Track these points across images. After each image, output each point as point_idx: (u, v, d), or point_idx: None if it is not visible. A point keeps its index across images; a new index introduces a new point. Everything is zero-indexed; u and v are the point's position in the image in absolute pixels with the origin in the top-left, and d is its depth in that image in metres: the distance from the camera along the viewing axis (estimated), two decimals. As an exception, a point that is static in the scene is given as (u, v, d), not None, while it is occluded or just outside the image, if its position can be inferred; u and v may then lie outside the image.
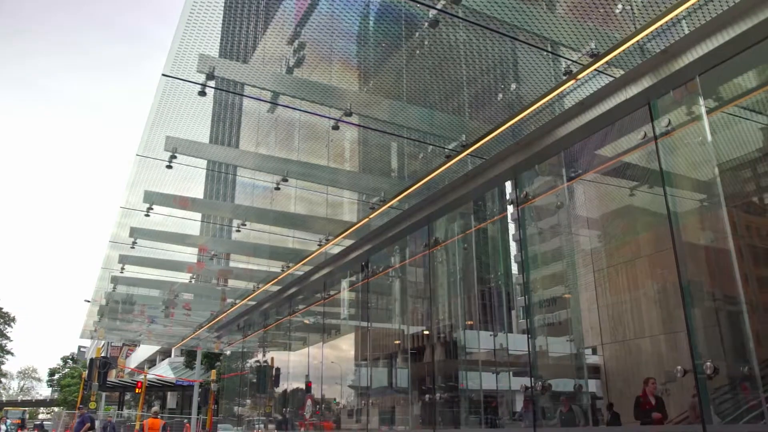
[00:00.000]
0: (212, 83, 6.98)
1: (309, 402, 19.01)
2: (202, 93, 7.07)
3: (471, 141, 8.05)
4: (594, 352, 9.24)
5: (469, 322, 12.66)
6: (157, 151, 8.70)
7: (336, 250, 12.92)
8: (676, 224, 6.37)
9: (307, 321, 19.12)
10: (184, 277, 15.82)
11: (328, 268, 14.14)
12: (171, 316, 20.99)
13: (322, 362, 17.75)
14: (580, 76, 6.54)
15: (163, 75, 6.79)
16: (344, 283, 15.90)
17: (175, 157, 8.70)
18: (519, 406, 10.54)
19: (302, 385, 19.38)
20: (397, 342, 15.73)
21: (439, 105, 7.83)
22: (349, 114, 7.44)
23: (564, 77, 6.61)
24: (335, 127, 7.77)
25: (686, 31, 5.98)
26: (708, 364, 5.65)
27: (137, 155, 8.74)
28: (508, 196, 10.70)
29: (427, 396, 12.67)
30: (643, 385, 6.54)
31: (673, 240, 6.29)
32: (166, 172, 9.33)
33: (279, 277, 15.11)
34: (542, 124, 7.57)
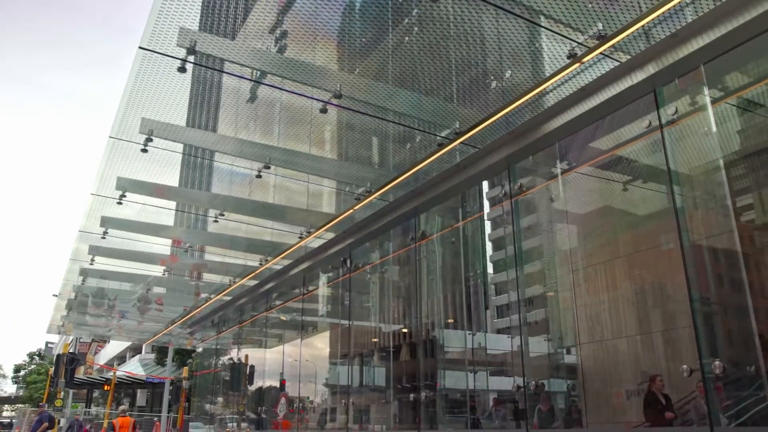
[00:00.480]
0: (192, 59, 6.51)
1: (283, 400, 18.77)
2: (182, 69, 6.60)
3: (465, 129, 7.69)
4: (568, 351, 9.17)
5: (450, 320, 12.49)
6: (131, 133, 8.18)
7: (317, 243, 12.48)
8: (682, 217, 6.08)
9: (283, 317, 18.68)
10: (157, 270, 15.24)
11: (308, 262, 13.69)
12: (143, 311, 20.33)
13: (299, 360, 17.36)
14: (585, 60, 6.21)
15: (140, 48, 6.29)
16: (324, 279, 15.49)
17: (151, 140, 8.19)
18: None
19: (276, 383, 19.08)
20: (375, 340, 15.52)
21: (432, 89, 7.44)
22: (339, 96, 7.03)
23: (568, 60, 6.28)
24: (323, 110, 7.35)
25: (699, 13, 5.69)
26: (717, 363, 5.36)
27: (110, 137, 8.21)
28: (485, 195, 10.65)
29: (404, 395, 12.46)
30: (650, 384, 6.23)
31: (679, 233, 6.01)
32: (141, 157, 8.82)
33: (256, 272, 14.61)
34: (541, 111, 7.23)
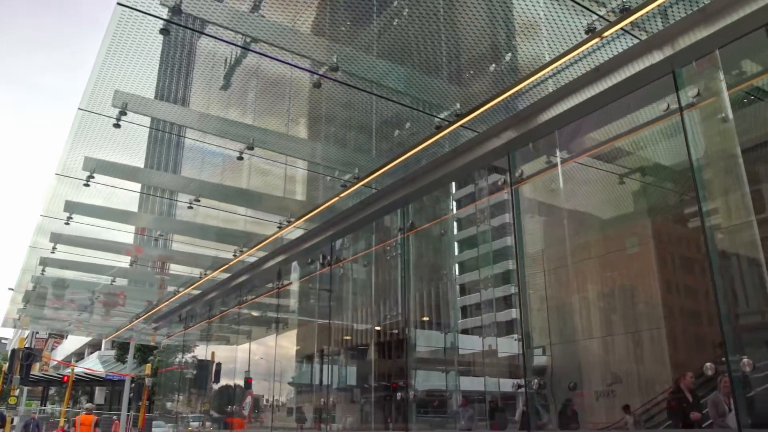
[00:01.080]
0: (176, 20, 5.89)
1: (249, 399, 18.14)
2: (165, 31, 5.97)
3: (466, 110, 7.22)
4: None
5: (424, 318, 12.19)
6: (103, 106, 7.48)
7: (296, 234, 11.87)
8: (705, 207, 5.71)
9: (254, 313, 18.05)
10: (123, 261, 14.42)
11: (285, 255, 13.07)
12: (105, 304, 19.40)
13: (267, 358, 16.78)
14: (606, 34, 5.79)
15: (119, 4, 5.64)
16: (299, 273, 14.91)
17: (125, 114, 7.52)
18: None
19: (242, 382, 18.48)
20: (348, 338, 15.19)
21: (434, 66, 6.93)
22: (336, 69, 6.49)
23: (586, 35, 5.86)
24: (317, 85, 6.80)
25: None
26: (745, 360, 4.99)
27: (80, 109, 7.50)
28: (452, 196, 10.40)
29: (375, 394, 12.16)
30: (677, 380, 5.84)
31: (702, 224, 5.63)
32: (113, 134, 8.13)
33: (229, 264, 13.93)
34: (551, 92, 6.80)
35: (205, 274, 14.70)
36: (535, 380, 6.78)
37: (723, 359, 5.20)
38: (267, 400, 18.52)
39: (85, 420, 16.51)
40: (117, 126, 7.72)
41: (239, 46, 6.30)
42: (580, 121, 7.00)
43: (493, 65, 6.69)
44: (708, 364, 5.35)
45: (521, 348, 7.12)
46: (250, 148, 8.27)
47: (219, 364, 20.48)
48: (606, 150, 7.33)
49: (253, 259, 13.65)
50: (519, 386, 7.10)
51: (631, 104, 6.61)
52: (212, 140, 8.53)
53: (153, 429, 23.58)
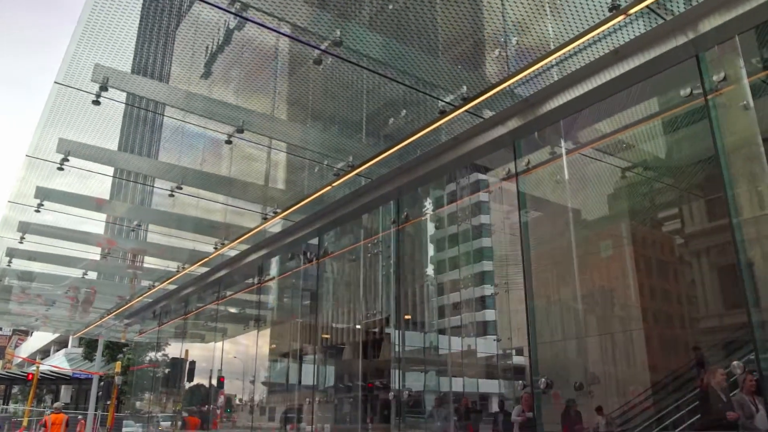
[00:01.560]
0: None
1: (221, 398, 17.50)
2: (154, -5, 5.47)
3: (473, 94, 6.83)
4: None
5: (407, 316, 11.95)
6: (82, 81, 6.92)
7: (281, 226, 11.35)
8: (731, 197, 5.40)
9: (231, 310, 17.50)
10: (97, 253, 13.74)
11: (268, 249, 12.54)
12: (75, 299, 18.61)
13: (252, 356, 16.29)
14: (631, 12, 5.44)
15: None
16: (280, 268, 14.42)
17: (106, 90, 6.96)
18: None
19: (215, 381, 17.88)
20: (326, 336, 14.91)
21: (441, 46, 6.52)
22: (339, 44, 6.04)
23: (609, 13, 5.50)
24: (317, 62, 6.33)
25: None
26: (780, 359, 4.68)
27: (56, 83, 6.92)
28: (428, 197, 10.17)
29: (352, 394, 11.93)
30: (708, 378, 5.50)
31: (729, 218, 5.32)
32: (90, 113, 7.57)
33: (209, 257, 13.34)
34: (563, 76, 6.44)
35: (183, 268, 14.08)
36: (543, 380, 6.41)
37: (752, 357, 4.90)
38: (240, 400, 18.18)
39: (56, 419, 15.95)
40: (96, 103, 7.16)
41: (232, 13, 5.80)
42: (599, 106, 6.66)
43: (507, 45, 6.32)
44: (735, 362, 5.04)
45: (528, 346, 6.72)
46: (240, 131, 7.76)
47: (193, 363, 19.92)
48: (625, 137, 7.03)
49: (234, 253, 13.09)
50: (524, 386, 6.72)
51: (650, 90, 6.29)
52: (199, 122, 8.00)
53: (123, 429, 22.78)
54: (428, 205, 11.00)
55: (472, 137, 7.60)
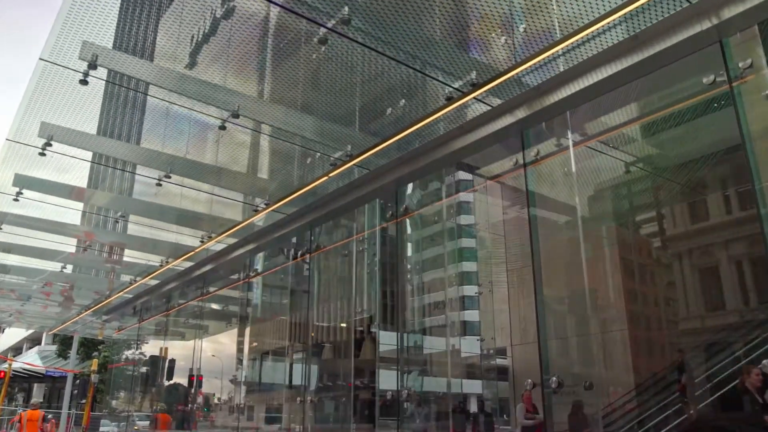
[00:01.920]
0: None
1: (200, 398, 17.23)
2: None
3: (483, 80, 6.55)
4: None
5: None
6: (68, 58, 6.51)
7: (272, 219, 10.95)
8: (759, 188, 5.19)
9: (213, 307, 17.10)
10: (77, 246, 13.23)
11: (256, 243, 12.12)
12: (52, 294, 17.99)
13: (243, 355, 15.94)
14: (656, -9, 5.21)
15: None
16: (267, 264, 14.06)
17: (95, 68, 6.56)
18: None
19: (195, 379, 17.37)
20: (313, 334, 14.71)
21: (453, 27, 6.22)
22: (347, 22, 5.71)
23: (634, -8, 5.26)
24: (322, 41, 6.00)
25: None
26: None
27: (41, 59, 6.49)
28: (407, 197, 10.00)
29: (329, 393, 11.76)
30: (743, 377, 5.27)
31: (757, 208, 5.10)
32: (78, 93, 7.16)
33: (195, 251, 12.89)
34: (577, 63, 6.18)
35: (167, 262, 13.61)
36: (554, 378, 6.15)
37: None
38: (219, 399, 17.83)
39: (32, 416, 15.92)
40: (84, 83, 6.75)
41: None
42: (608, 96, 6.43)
43: (519, 30, 6.04)
44: (765, 361, 4.81)
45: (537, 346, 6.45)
46: (235, 116, 7.39)
47: (173, 361, 19.48)
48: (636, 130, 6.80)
49: (220, 247, 12.66)
50: (534, 385, 6.46)
51: (669, 77, 6.07)
52: (191, 105, 7.61)
53: (100, 428, 22.20)
54: (412, 203, 10.97)
55: (479, 126, 7.31)
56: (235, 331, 17.32)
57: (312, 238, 11.03)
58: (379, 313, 12.51)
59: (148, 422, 19.99)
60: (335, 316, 12.57)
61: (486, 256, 11.24)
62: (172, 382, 19.20)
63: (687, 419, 6.20)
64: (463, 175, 9.56)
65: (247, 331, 16.05)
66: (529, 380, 6.57)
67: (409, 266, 12.51)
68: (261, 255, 13.66)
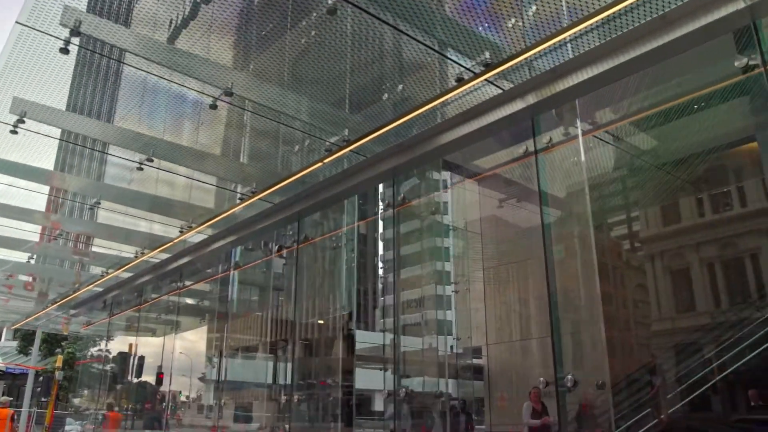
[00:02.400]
0: None
1: (168, 396, 16.63)
2: None
3: (497, 60, 6.18)
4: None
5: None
6: (48, 23, 5.94)
7: (256, 209, 10.42)
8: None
9: (190, 302, 16.49)
10: (45, 234, 12.50)
11: (237, 234, 11.58)
12: (12, 287, 17.14)
13: (222, 351, 15.43)
14: (696, -36, 4.89)
15: None
16: (246, 258, 13.54)
17: (77, 36, 6.00)
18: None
19: (165, 377, 16.80)
20: (288, 332, 14.47)
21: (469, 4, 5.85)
22: (359, -11, 5.29)
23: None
24: (331, 11, 5.56)
25: None
26: None
27: (17, 23, 5.91)
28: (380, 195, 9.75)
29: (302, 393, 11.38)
30: None
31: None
32: (52, 66, 6.58)
33: (173, 242, 12.29)
34: (600, 43, 5.85)
35: (142, 254, 12.97)
36: (569, 376, 5.81)
37: None
38: (187, 397, 17.32)
39: (1, 414, 15.16)
40: (65, 51, 6.18)
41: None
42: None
43: (538, 8, 5.69)
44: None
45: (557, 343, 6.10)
46: (229, 93, 6.89)
47: (142, 358, 18.84)
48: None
49: (200, 238, 12.07)
50: (547, 383, 6.12)
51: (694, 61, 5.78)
52: (182, 80, 7.08)
53: (66, 427, 21.35)
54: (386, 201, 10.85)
55: (489, 110, 6.93)
56: (208, 327, 16.83)
57: (290, 233, 10.54)
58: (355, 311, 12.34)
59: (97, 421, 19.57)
60: (310, 313, 12.22)
61: (462, 254, 11.05)
62: (140, 379, 18.61)
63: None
64: (439, 173, 9.37)
65: (220, 327, 15.60)
66: (542, 378, 6.22)
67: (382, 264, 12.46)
68: (239, 249, 13.17)
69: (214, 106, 7.14)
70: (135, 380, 18.82)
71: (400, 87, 7.11)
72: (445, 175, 9.33)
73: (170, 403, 16.99)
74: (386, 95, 7.17)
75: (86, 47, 6.40)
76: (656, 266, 7.36)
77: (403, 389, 8.71)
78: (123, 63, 6.94)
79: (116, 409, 18.92)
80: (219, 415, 14.35)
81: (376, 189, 9.37)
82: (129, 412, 18.46)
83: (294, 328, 13.43)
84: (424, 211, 10.49)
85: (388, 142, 8.06)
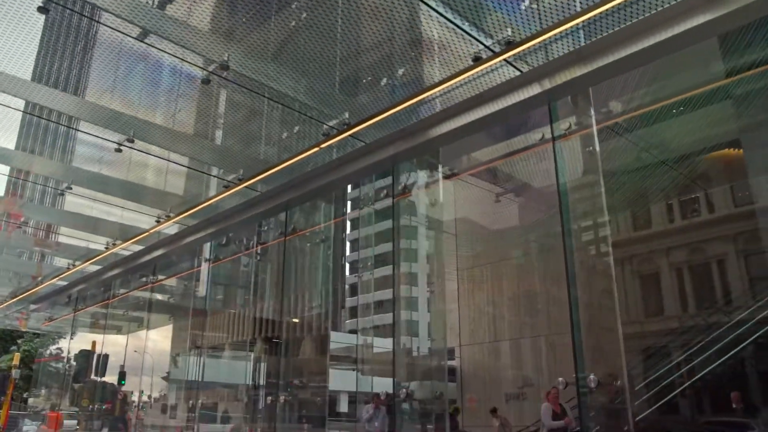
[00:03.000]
0: None
1: (122, 396, 16.50)
2: None
3: (518, 40, 5.76)
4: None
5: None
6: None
7: (242, 198, 9.81)
8: None
9: (161, 297, 15.78)
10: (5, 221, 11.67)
11: (221, 225, 10.91)
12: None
13: (180, 350, 14.83)
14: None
15: None
16: (218, 253, 12.91)
17: (59, -6, 5.38)
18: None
19: (127, 376, 16.41)
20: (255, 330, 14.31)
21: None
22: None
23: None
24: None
25: None
26: None
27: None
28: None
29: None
30: None
31: None
32: (25, 28, 5.94)
33: (147, 233, 11.56)
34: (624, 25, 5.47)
35: (114, 245, 12.20)
36: (591, 376, 5.41)
37: None
38: (149, 396, 16.74)
39: None
40: (44, 11, 5.54)
41: None
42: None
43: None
44: None
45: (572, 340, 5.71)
46: (225, 67, 6.33)
47: (106, 356, 18.09)
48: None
49: (178, 229, 11.38)
50: (566, 384, 5.72)
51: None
52: (174, 50, 6.47)
53: (24, 427, 20.34)
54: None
55: (503, 95, 6.51)
56: (180, 325, 16.26)
57: (290, 219, 9.98)
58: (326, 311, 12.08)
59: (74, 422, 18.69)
60: (279, 311, 11.78)
61: (436, 255, 10.78)
62: (101, 378, 17.83)
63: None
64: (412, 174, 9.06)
65: (191, 324, 15.00)
66: (561, 379, 5.82)
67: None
68: (210, 244, 12.55)
69: (206, 81, 6.56)
70: (99, 379, 18.11)
71: (406, 69, 6.65)
72: (422, 173, 8.88)
73: (130, 403, 16.43)
74: (392, 76, 6.70)
75: (60, 3, 5.75)
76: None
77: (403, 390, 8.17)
78: (102, 24, 6.28)
79: (57, 408, 18.28)
80: (189, 416, 13.80)
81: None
82: (86, 413, 17.67)
83: (262, 326, 13.02)
84: (396, 211, 10.26)
85: (389, 128, 7.59)
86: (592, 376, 5.38)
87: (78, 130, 8.48)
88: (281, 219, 10.24)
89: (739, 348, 8.36)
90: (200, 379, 13.64)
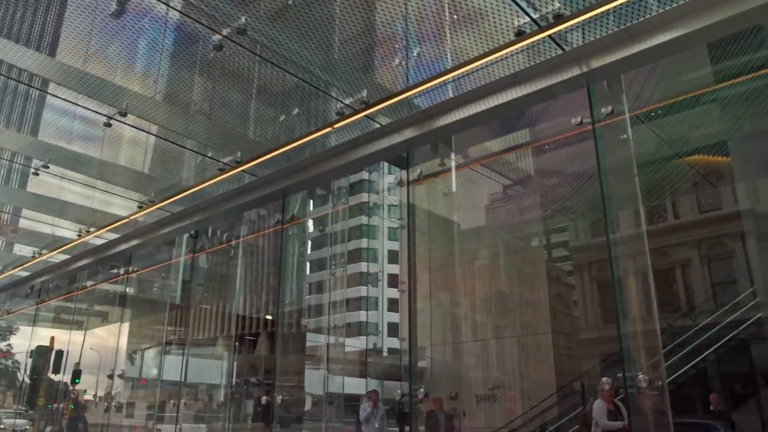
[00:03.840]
0: None
1: (72, 396, 15.90)
2: None
3: (568, 14, 5.37)
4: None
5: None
6: None
7: (237, 183, 9.17)
8: None
9: (129, 291, 14.97)
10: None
11: (206, 213, 10.22)
12: None
13: (134, 347, 14.21)
14: None
15: None
16: (196, 244, 12.23)
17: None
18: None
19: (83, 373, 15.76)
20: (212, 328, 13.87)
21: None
22: None
23: None
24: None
25: None
26: None
27: None
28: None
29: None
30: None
31: None
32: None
33: (124, 220, 10.78)
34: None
35: (88, 232, 11.35)
36: (641, 375, 5.04)
37: None
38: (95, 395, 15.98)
39: None
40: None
41: None
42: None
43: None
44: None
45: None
46: (242, 31, 5.75)
47: (60, 353, 17.26)
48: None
49: (164, 215, 10.58)
50: (613, 384, 5.35)
51: None
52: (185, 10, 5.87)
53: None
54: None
55: (540, 75, 6.10)
56: (144, 321, 15.52)
57: (288, 207, 9.40)
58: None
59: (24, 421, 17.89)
60: (237, 308, 11.36)
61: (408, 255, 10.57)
62: (53, 376, 17.25)
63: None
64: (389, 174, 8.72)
65: (135, 323, 14.45)
66: (605, 378, 5.44)
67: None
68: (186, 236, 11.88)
69: (219, 47, 5.97)
70: (53, 377, 17.30)
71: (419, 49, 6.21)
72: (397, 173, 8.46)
73: (77, 402, 15.64)
74: (413, 54, 6.24)
75: None
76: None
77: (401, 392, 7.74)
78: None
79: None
80: (150, 416, 13.20)
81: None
82: (41, 413, 16.81)
83: (221, 323, 12.64)
84: (369, 211, 9.94)
85: (402, 112, 7.11)
86: (641, 375, 5.01)
87: (49, 93, 7.59)
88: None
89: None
90: (172, 379, 13.01)
